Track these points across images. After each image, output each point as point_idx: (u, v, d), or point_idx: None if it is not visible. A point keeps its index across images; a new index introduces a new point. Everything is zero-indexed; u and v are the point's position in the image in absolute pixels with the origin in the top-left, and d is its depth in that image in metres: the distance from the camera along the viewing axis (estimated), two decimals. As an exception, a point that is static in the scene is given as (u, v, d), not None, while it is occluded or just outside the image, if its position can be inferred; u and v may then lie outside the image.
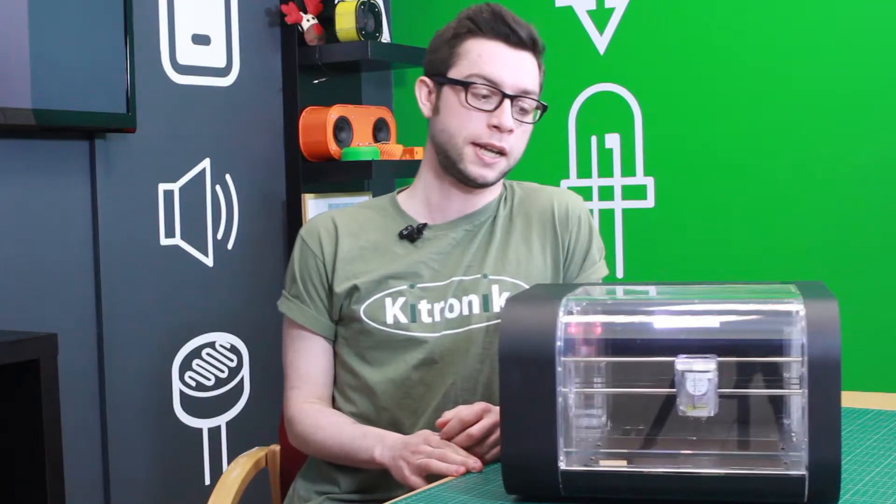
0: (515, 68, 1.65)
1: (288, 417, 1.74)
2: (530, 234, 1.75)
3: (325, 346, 1.74)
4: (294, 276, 1.75)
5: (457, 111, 1.66)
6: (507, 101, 1.64)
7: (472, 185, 1.70)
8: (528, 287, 1.68)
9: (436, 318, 1.67)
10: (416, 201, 1.76)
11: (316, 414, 1.70)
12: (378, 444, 1.58)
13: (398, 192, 1.80)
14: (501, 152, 1.66)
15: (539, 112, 1.70)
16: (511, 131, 1.65)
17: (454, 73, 1.67)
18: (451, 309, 1.68)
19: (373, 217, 1.76)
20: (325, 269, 1.72)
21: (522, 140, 1.70)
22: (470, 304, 1.68)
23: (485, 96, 1.64)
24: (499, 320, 1.65)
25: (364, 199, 1.81)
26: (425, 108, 1.73)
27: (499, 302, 1.68)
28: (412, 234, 1.71)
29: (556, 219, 1.75)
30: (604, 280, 1.79)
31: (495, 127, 1.64)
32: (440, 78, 1.69)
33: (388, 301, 1.68)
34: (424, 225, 1.72)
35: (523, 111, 1.67)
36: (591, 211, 3.01)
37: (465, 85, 1.65)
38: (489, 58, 1.64)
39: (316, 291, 1.73)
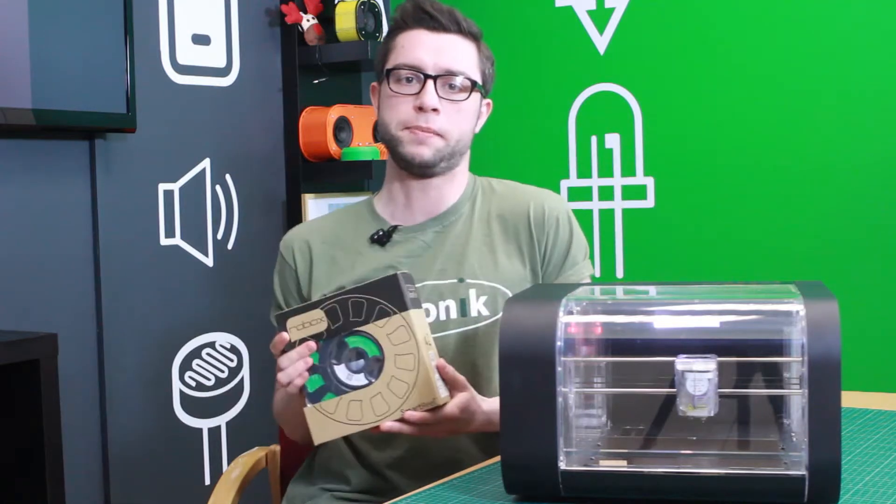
0: (437, 50, 1.67)
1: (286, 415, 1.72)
2: (507, 236, 1.72)
3: None
4: (274, 289, 1.78)
5: (387, 101, 1.70)
6: (429, 82, 1.65)
7: (415, 170, 1.69)
8: (507, 290, 1.67)
9: None
10: (384, 202, 1.77)
11: None
12: None
13: (375, 195, 1.81)
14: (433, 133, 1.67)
15: (474, 93, 1.69)
16: (436, 111, 1.65)
17: (385, 69, 1.70)
18: (427, 314, 1.65)
19: (347, 221, 1.77)
20: (299, 280, 1.74)
21: (458, 120, 1.69)
22: (447, 309, 1.66)
23: (409, 80, 1.66)
24: (476, 325, 1.64)
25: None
26: (376, 111, 1.76)
27: (476, 306, 1.66)
28: (382, 238, 1.71)
29: (531, 222, 1.72)
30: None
31: (420, 108, 1.65)
32: (379, 77, 1.73)
33: None
34: (395, 228, 1.72)
35: (453, 90, 1.67)
36: (591, 211, 3.02)
37: (388, 73, 1.68)
38: (410, 45, 1.68)
39: (295, 301, 1.74)
